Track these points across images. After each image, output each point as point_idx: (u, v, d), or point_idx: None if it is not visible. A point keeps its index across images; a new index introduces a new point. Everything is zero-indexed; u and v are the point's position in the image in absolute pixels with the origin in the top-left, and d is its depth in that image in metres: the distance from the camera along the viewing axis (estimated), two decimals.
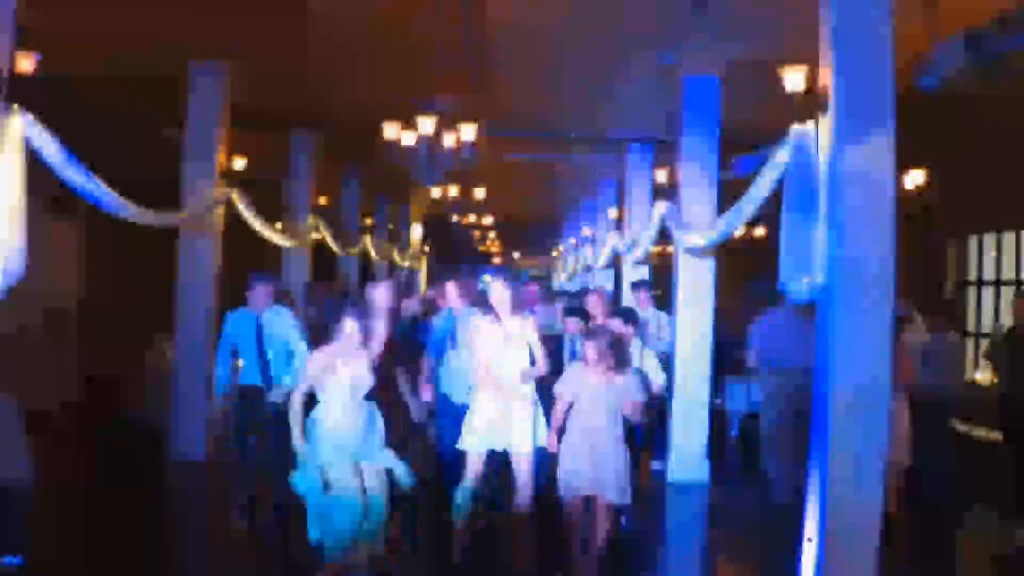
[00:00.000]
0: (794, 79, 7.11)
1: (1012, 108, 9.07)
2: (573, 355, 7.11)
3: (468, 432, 6.24)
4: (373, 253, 18.64)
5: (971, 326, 12.61)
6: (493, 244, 36.48)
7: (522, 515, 6.24)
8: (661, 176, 13.69)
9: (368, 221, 20.05)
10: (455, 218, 26.72)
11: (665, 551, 7.51)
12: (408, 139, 10.43)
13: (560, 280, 26.72)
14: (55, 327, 11.16)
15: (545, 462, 6.24)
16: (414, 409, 6.65)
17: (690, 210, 9.10)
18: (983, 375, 11.69)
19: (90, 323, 12.10)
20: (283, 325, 7.15)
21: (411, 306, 9.13)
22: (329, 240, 14.73)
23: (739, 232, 10.86)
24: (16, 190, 5.26)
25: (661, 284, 10.00)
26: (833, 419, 5.28)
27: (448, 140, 10.50)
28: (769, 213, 6.49)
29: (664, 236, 10.09)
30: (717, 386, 10.24)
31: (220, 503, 7.45)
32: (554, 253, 31.45)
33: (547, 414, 6.29)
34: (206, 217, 9.41)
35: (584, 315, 7.44)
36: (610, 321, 7.22)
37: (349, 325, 5.57)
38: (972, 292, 12.80)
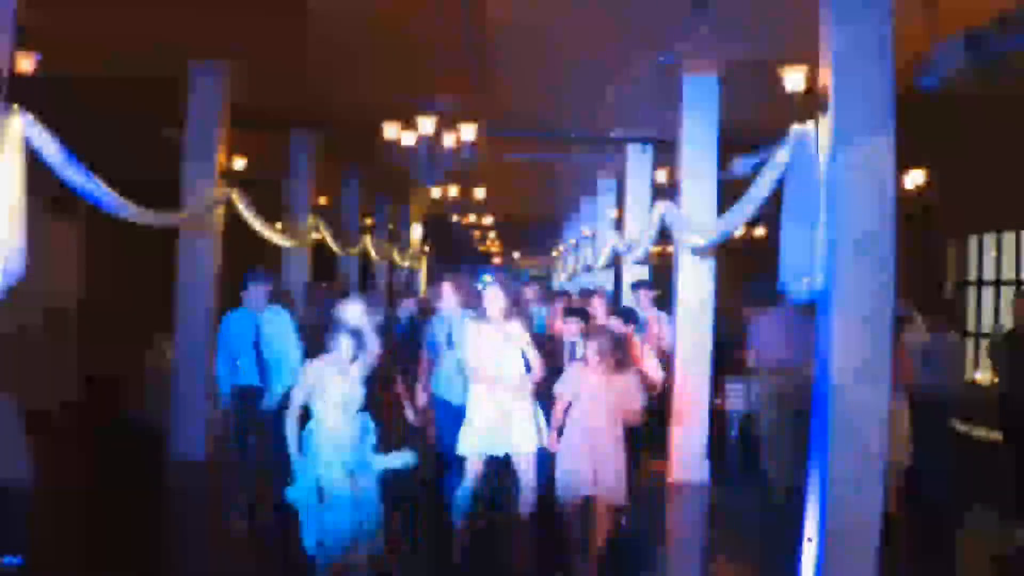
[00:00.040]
0: (794, 79, 7.12)
1: (1012, 108, 9.07)
2: (573, 356, 7.11)
3: (466, 437, 6.25)
4: (373, 253, 18.64)
5: (971, 326, 12.60)
6: (493, 244, 36.48)
7: (523, 515, 6.25)
8: (661, 176, 13.68)
9: (368, 221, 20.05)
10: (455, 218, 26.72)
11: (665, 551, 7.51)
12: (408, 139, 10.43)
13: (560, 280, 26.71)
14: (55, 327, 11.16)
15: (546, 462, 6.24)
16: (410, 412, 6.65)
17: (690, 210, 9.10)
18: (983, 375, 11.69)
19: (90, 323, 12.10)
20: (281, 327, 7.14)
21: (408, 307, 9.16)
22: (329, 240, 14.73)
23: (739, 232, 10.87)
24: (16, 190, 5.25)
25: (661, 284, 9.99)
26: (833, 419, 5.28)
27: (448, 140, 10.50)
28: (769, 213, 6.49)
29: (664, 236, 10.09)
30: (717, 386, 10.24)
31: (220, 503, 7.45)
32: (554, 253, 31.44)
33: (546, 416, 6.30)
34: (206, 217, 9.42)
35: (584, 316, 7.44)
36: (610, 321, 7.23)
37: (343, 340, 5.54)
38: (972, 292, 12.79)
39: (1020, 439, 7.86)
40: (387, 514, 5.71)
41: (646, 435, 7.63)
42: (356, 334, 5.63)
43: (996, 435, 8.72)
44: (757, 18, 7.52)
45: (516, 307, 6.92)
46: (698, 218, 8.94)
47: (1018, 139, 9.84)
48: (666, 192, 11.13)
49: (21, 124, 5.35)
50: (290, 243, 12.71)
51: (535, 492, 6.21)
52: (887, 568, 5.39)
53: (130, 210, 7.04)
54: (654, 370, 7.41)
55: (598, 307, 7.87)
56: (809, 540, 5.47)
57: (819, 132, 5.54)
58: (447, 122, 10.44)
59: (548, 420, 6.27)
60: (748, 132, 9.46)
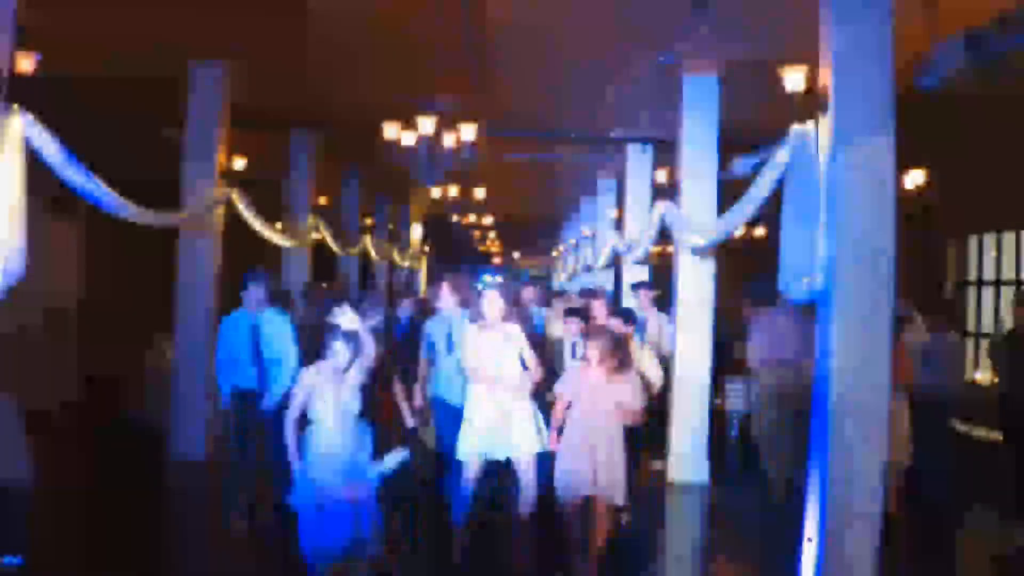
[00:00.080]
0: (794, 79, 7.12)
1: (1012, 108, 9.07)
2: (574, 356, 7.12)
3: (466, 438, 6.25)
4: (373, 253, 18.64)
5: (971, 326, 12.60)
6: (493, 244, 36.48)
7: (523, 515, 6.25)
8: (661, 176, 13.68)
9: (368, 221, 20.04)
10: (455, 218, 26.72)
11: (665, 551, 7.51)
12: (408, 139, 10.43)
13: (560, 280, 26.71)
14: (55, 327, 11.16)
15: (546, 462, 6.25)
16: (407, 415, 6.65)
17: (690, 210, 9.10)
18: (983, 375, 11.69)
19: (90, 323, 12.10)
20: (280, 328, 7.12)
21: (408, 308, 9.15)
22: (329, 240, 14.73)
23: (739, 232, 10.87)
24: (16, 190, 5.25)
25: (661, 284, 9.99)
26: (833, 419, 5.28)
27: (448, 140, 10.50)
28: (769, 213, 6.50)
29: (664, 236, 10.09)
30: (717, 386, 10.24)
31: (220, 503, 7.45)
32: (554, 253, 31.43)
33: (543, 418, 6.31)
34: (206, 217, 9.42)
35: (585, 316, 7.45)
36: (610, 321, 7.23)
37: (339, 347, 5.53)
38: (972, 292, 12.79)
39: (1020, 439, 7.86)
40: (387, 514, 5.71)
41: (646, 435, 7.64)
42: (352, 339, 5.61)
43: (996, 435, 8.72)
44: (757, 18, 7.52)
45: (515, 308, 6.94)
46: (698, 218, 8.94)
47: (1018, 139, 9.84)
48: (666, 192, 11.13)
49: (21, 124, 5.35)
50: (290, 243, 12.71)
51: (535, 492, 6.22)
52: (887, 568, 5.38)
53: (130, 210, 7.04)
54: (653, 371, 7.42)
55: (598, 310, 7.87)
56: (809, 540, 5.47)
57: (819, 132, 5.54)
58: (447, 122, 10.44)
59: (546, 422, 6.28)
60: (748, 132, 9.47)
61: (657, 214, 9.71)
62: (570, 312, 7.58)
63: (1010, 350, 8.18)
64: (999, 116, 9.75)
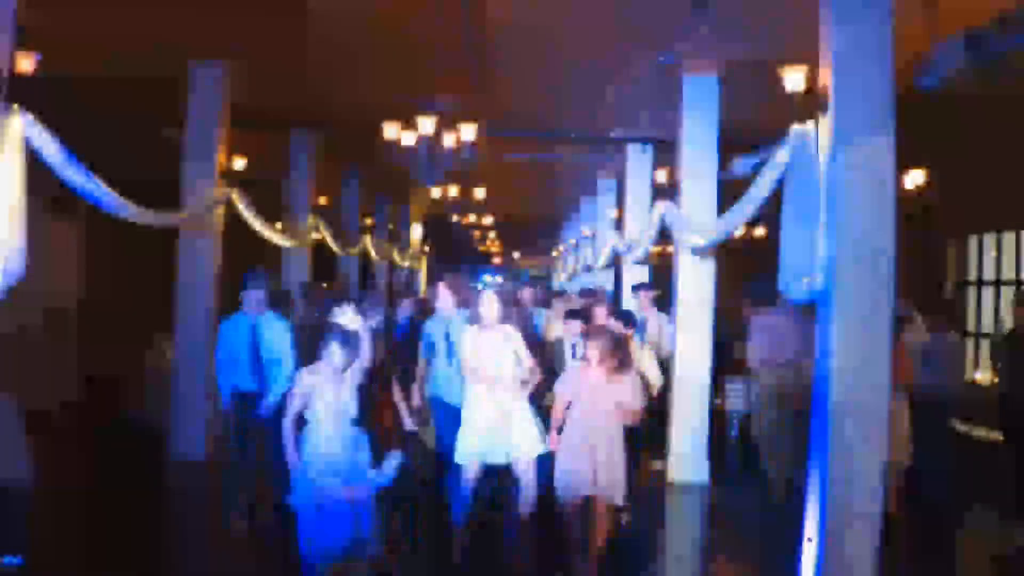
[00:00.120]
0: (794, 79, 7.12)
1: (1012, 108, 9.07)
2: (574, 356, 7.12)
3: (465, 439, 6.25)
4: (373, 253, 18.64)
5: (971, 326, 12.60)
6: (493, 244, 36.48)
7: (523, 515, 6.25)
8: (661, 176, 13.68)
9: (368, 221, 20.04)
10: (455, 218, 26.72)
11: (665, 551, 7.51)
12: (408, 139, 10.43)
13: (560, 280, 26.71)
14: (55, 327, 11.16)
15: (546, 462, 6.25)
16: (405, 417, 6.65)
17: (690, 210, 9.10)
18: (983, 375, 11.69)
19: (90, 323, 12.10)
20: (278, 331, 7.11)
21: (407, 309, 9.14)
22: (329, 240, 14.73)
23: (739, 232, 10.87)
24: (16, 190, 5.25)
25: (661, 284, 9.99)
26: (833, 419, 5.28)
27: (448, 140, 10.50)
28: (769, 213, 6.50)
29: (664, 236, 10.09)
30: (717, 386, 10.24)
31: (220, 503, 7.45)
32: (554, 253, 31.43)
33: (542, 423, 6.31)
34: (206, 217, 9.42)
35: (586, 318, 7.45)
36: (610, 323, 7.23)
37: (335, 348, 5.51)
38: (972, 292, 12.79)
39: (1020, 439, 7.86)
40: (387, 514, 5.71)
41: (646, 435, 7.64)
42: (349, 340, 5.59)
43: (996, 435, 8.72)
44: (757, 18, 7.52)
45: (514, 309, 6.95)
46: (698, 218, 8.94)
47: (1018, 139, 9.84)
48: (666, 192, 11.13)
49: (21, 124, 5.35)
50: (290, 243, 12.71)
51: (535, 492, 6.22)
52: (887, 568, 5.39)
53: (130, 210, 7.04)
54: (653, 372, 7.42)
55: (599, 313, 7.87)
56: (809, 540, 5.47)
57: (819, 132, 5.54)
58: (447, 122, 10.44)
59: (545, 423, 6.28)
60: (748, 132, 9.47)
61: (657, 214, 9.71)
62: (571, 314, 7.58)
63: (1010, 350, 8.18)
64: (999, 116, 9.75)
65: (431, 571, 6.43)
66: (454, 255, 30.80)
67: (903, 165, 6.83)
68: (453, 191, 17.53)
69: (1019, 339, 8.09)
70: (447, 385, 6.97)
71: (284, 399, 5.86)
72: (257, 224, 10.50)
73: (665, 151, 12.21)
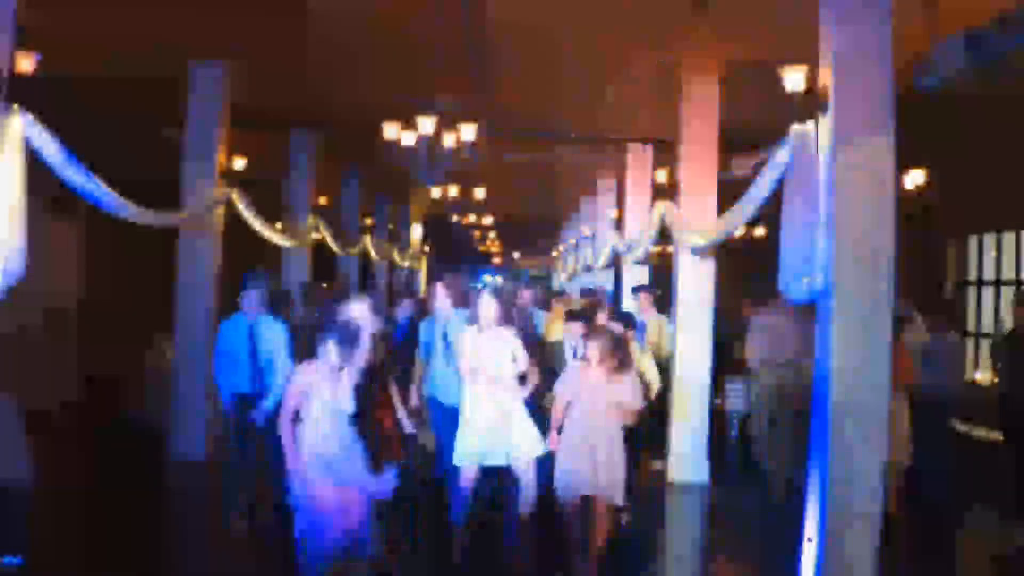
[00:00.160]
0: (794, 79, 7.10)
1: (1012, 108, 9.07)
2: (575, 357, 7.12)
3: (464, 440, 6.24)
4: (373, 253, 18.64)
5: (971, 326, 12.60)
6: (493, 244, 36.48)
7: (523, 516, 6.25)
8: (661, 176, 13.68)
9: (368, 221, 20.04)
10: (455, 218, 26.72)
11: (665, 551, 7.51)
12: (408, 139, 10.43)
13: (560, 280, 26.71)
14: (55, 327, 11.16)
15: (545, 462, 6.25)
16: (403, 419, 6.64)
17: (690, 210, 9.10)
18: (983, 375, 11.69)
19: (90, 323, 12.10)
20: (275, 334, 7.11)
21: (407, 310, 9.14)
22: (329, 240, 14.73)
23: (739, 232, 10.87)
24: (16, 190, 5.25)
25: (661, 284, 9.99)
26: (833, 419, 5.28)
27: (448, 140, 10.50)
28: (769, 213, 6.49)
29: (664, 236, 10.09)
30: (717, 386, 10.24)
31: (220, 503, 7.45)
32: (554, 253, 31.43)
33: (539, 424, 6.30)
34: (206, 217, 9.42)
35: (586, 319, 7.46)
36: (610, 324, 7.24)
37: (331, 348, 5.50)
38: (972, 292, 12.79)
39: (1020, 439, 7.86)
40: (387, 514, 5.70)
41: (646, 435, 7.64)
42: (347, 338, 5.58)
43: (996, 435, 8.72)
44: (757, 18, 7.52)
45: (513, 310, 6.95)
46: (698, 218, 8.94)
47: (1018, 139, 9.84)
48: (666, 192, 11.14)
49: (21, 124, 5.36)
50: (290, 243, 12.71)
51: (535, 493, 6.22)
52: (887, 568, 5.39)
53: (130, 210, 7.04)
54: (652, 374, 7.43)
55: (600, 316, 7.88)
56: (809, 540, 5.47)
57: (819, 132, 5.54)
58: (447, 122, 10.44)
59: (543, 424, 6.28)
60: (748, 132, 9.47)
61: (657, 214, 9.71)
62: (572, 316, 7.59)
63: (1010, 350, 8.18)
64: (999, 116, 9.75)
65: (431, 571, 6.43)
66: (454, 255, 30.81)
67: (903, 165, 6.83)
68: (453, 191, 17.53)
69: (1019, 339, 8.09)
70: (444, 385, 6.97)
71: (280, 404, 5.85)
72: (257, 224, 10.50)
73: (665, 151, 12.21)
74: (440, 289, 7.19)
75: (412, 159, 10.56)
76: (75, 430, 10.10)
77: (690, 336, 9.15)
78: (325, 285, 12.87)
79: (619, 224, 15.64)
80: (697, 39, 8.27)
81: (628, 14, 7.89)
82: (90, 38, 8.47)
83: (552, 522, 6.28)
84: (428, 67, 9.63)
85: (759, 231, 16.30)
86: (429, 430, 7.32)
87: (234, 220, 10.03)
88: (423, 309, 9.12)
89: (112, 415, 10.74)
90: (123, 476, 8.42)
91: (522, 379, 6.33)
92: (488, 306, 6.32)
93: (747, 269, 10.73)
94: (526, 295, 9.34)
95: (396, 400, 6.65)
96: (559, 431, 6.10)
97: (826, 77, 5.44)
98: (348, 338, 5.56)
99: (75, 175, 6.01)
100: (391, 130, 10.43)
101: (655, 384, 7.49)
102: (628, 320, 7.64)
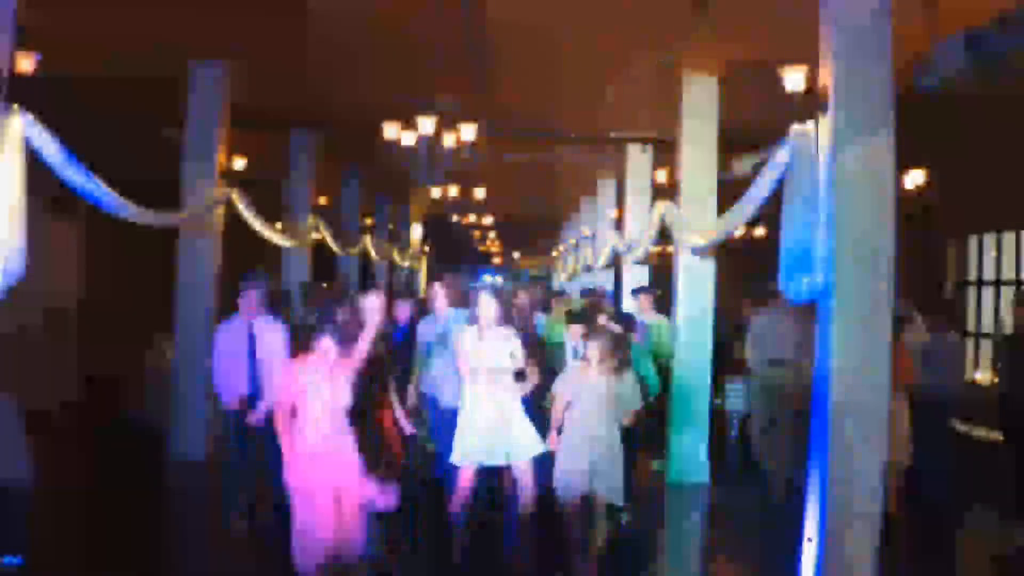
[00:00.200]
0: (794, 79, 7.11)
1: (1012, 108, 9.07)
2: (575, 358, 7.12)
3: (463, 440, 6.24)
4: (373, 253, 18.64)
5: (971, 326, 12.60)
6: (493, 244, 36.50)
7: (523, 516, 6.25)
8: (661, 176, 13.69)
9: (368, 221, 20.05)
10: (455, 218, 26.73)
11: (665, 551, 7.51)
12: (408, 139, 10.43)
13: (560, 280, 26.71)
14: (55, 327, 11.16)
15: (545, 462, 6.25)
16: (403, 420, 6.65)
17: (690, 210, 9.10)
18: (983, 375, 11.70)
19: (90, 323, 12.10)
20: (275, 340, 7.10)
21: (406, 310, 9.13)
22: (329, 240, 14.73)
23: (739, 232, 10.87)
24: (16, 190, 5.25)
25: (661, 284, 10.00)
26: (833, 419, 5.28)
27: (448, 140, 10.50)
28: (769, 213, 6.50)
29: (664, 236, 10.09)
30: (717, 386, 10.24)
31: (220, 503, 7.45)
32: (554, 253, 31.43)
33: (539, 424, 6.30)
34: (206, 217, 9.42)
35: (587, 322, 7.45)
36: (611, 326, 7.24)
37: (325, 343, 5.49)
38: (972, 292, 12.79)
39: (1020, 439, 7.86)
40: (387, 514, 5.70)
41: (645, 435, 7.64)
42: (346, 334, 5.57)
43: (996, 435, 8.72)
44: (757, 18, 7.52)
45: (513, 310, 6.95)
46: (698, 218, 8.94)
47: (1018, 139, 9.84)
48: (666, 192, 11.14)
49: (21, 124, 5.35)
50: (290, 243, 12.71)
51: (534, 494, 6.21)
52: (887, 568, 5.39)
53: (130, 210, 7.04)
54: (651, 375, 7.43)
55: (600, 318, 7.87)
56: (809, 540, 5.47)
57: (819, 132, 5.54)
58: (447, 122, 10.44)
59: (540, 427, 6.28)
60: (748, 132, 9.47)
61: (657, 214, 9.71)
62: (572, 318, 7.59)
63: (1010, 350, 8.18)
64: (999, 116, 9.75)
65: (431, 571, 6.43)
66: (454, 255, 30.81)
67: (903, 165, 6.84)
68: (453, 191, 17.54)
69: (1019, 339, 8.09)
70: (442, 386, 6.96)
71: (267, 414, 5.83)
72: (257, 224, 10.50)
73: (665, 151, 12.21)
74: (439, 289, 7.19)
75: (412, 159, 10.57)
76: (75, 430, 10.10)
77: (690, 336, 9.16)
78: (325, 285, 12.87)
79: (619, 224, 15.64)
80: (697, 39, 8.27)
81: (628, 14, 7.89)
82: (90, 38, 8.47)
83: (552, 522, 6.27)
84: (428, 67, 9.63)
85: (759, 231, 16.31)
86: (428, 430, 7.32)
87: (234, 220, 10.03)
88: (423, 309, 9.11)
89: (112, 415, 10.74)
90: (123, 476, 8.42)
91: (519, 375, 6.34)
92: (488, 306, 6.31)
93: (747, 269, 10.73)
94: (525, 297, 9.31)
95: (395, 400, 6.66)
96: (559, 431, 6.10)
97: (826, 77, 5.44)
98: (345, 335, 5.56)
99: (75, 175, 6.00)
100: (391, 130, 10.43)
101: (653, 385, 7.48)
102: (628, 321, 7.64)
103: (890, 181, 5.31)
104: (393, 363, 6.95)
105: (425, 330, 7.24)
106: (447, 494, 6.64)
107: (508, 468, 6.33)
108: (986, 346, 12.18)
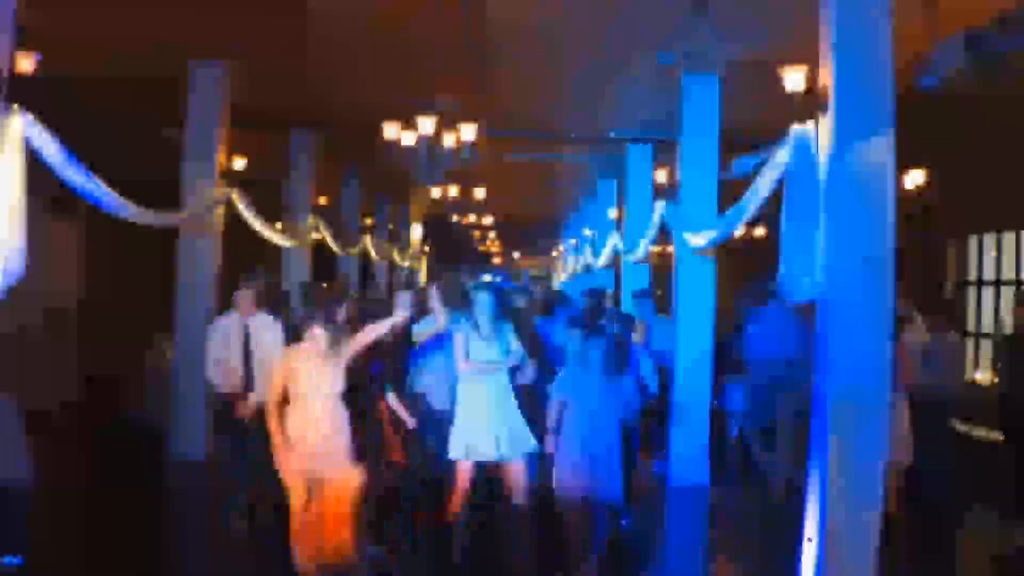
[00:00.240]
0: (794, 79, 7.11)
1: (1012, 108, 9.07)
2: (575, 357, 7.11)
3: (460, 436, 6.24)
4: (373, 253, 18.64)
5: (971, 326, 12.60)
6: (493, 244, 36.50)
7: (521, 516, 6.25)
8: (661, 176, 13.68)
9: (368, 221, 20.05)
10: (455, 218, 26.73)
11: (665, 551, 7.51)
12: (408, 139, 10.43)
13: (560, 280, 26.72)
14: (55, 327, 11.16)
15: (541, 462, 6.26)
16: (405, 416, 6.65)
17: (690, 210, 9.10)
18: (983, 375, 11.70)
19: (90, 323, 12.10)
20: (270, 336, 7.09)
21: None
22: (329, 240, 14.73)
23: (739, 232, 10.87)
24: (16, 190, 5.25)
25: (661, 284, 10.00)
26: (833, 419, 5.27)
27: (448, 140, 10.50)
28: (769, 213, 6.49)
29: (664, 236, 10.09)
30: (717, 386, 10.24)
31: (220, 503, 7.44)
32: (554, 253, 31.46)
33: (537, 424, 6.30)
34: (206, 217, 9.42)
35: (586, 324, 7.45)
36: (610, 326, 7.24)
37: (318, 333, 5.50)
38: (972, 292, 12.79)
39: (1020, 439, 7.86)
40: (386, 514, 5.70)
41: (646, 435, 7.64)
42: (334, 327, 5.60)
43: (996, 435, 8.72)
44: (757, 18, 7.52)
45: (514, 313, 6.96)
46: (698, 218, 8.93)
47: (1018, 139, 9.85)
48: (666, 192, 11.14)
49: (21, 124, 5.35)
50: (290, 243, 12.71)
51: (528, 495, 6.22)
52: (887, 568, 5.38)
53: (130, 210, 7.04)
54: (650, 376, 7.43)
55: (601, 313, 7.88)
56: (809, 540, 5.47)
57: (819, 132, 5.54)
58: (447, 122, 10.44)
59: (538, 426, 6.28)
60: (748, 132, 9.47)
61: (657, 214, 9.71)
62: (573, 321, 7.58)
63: (1010, 351, 8.18)
64: (999, 116, 9.75)
65: (431, 571, 6.43)
66: (454, 255, 30.81)
67: (903, 165, 6.83)
68: (453, 191, 17.54)
69: (1019, 339, 8.09)
70: (436, 388, 6.95)
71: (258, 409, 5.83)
72: (257, 224, 10.50)
73: (665, 151, 12.21)
74: (435, 291, 7.19)
75: (412, 159, 10.57)
76: (75, 430, 10.10)
77: (690, 336, 9.15)
78: (325, 285, 12.86)
79: (619, 224, 15.64)
80: (697, 39, 8.26)
81: (628, 14, 7.89)
82: (90, 38, 8.47)
83: (552, 522, 6.27)
84: (428, 67, 9.63)
85: (759, 231, 16.31)
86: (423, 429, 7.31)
87: (234, 220, 10.03)
88: (423, 309, 9.11)
89: (112, 415, 10.74)
90: (123, 476, 8.42)
91: (514, 372, 6.36)
92: (485, 305, 6.34)
93: (747, 269, 10.73)
94: (521, 301, 9.28)
95: (394, 398, 6.66)
96: (556, 432, 6.09)
97: (826, 77, 5.43)
98: (336, 324, 5.58)
99: (75, 175, 6.00)
100: (391, 130, 10.43)
101: (652, 386, 7.48)
102: (628, 321, 7.64)
103: (890, 181, 5.31)
104: (393, 363, 6.95)
105: (421, 330, 7.24)
106: (446, 493, 6.63)
107: (503, 467, 6.32)
108: (986, 346, 12.18)
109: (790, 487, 7.62)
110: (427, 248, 28.46)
